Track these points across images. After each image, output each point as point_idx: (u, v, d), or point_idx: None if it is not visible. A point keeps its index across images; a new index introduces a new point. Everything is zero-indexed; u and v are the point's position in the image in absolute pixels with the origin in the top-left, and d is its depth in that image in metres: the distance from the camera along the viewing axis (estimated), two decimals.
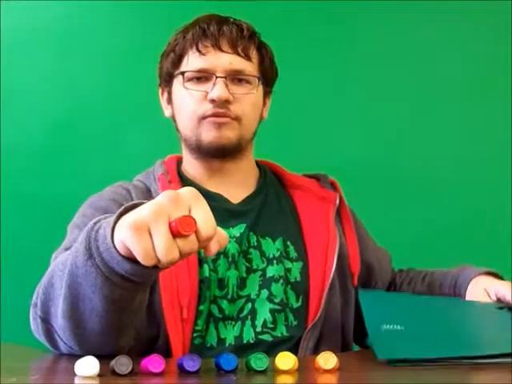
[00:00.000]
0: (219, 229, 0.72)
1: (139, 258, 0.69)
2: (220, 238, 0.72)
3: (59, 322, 0.83)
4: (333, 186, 1.24)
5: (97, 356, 0.74)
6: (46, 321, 0.86)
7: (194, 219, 0.69)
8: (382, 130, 1.65)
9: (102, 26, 1.59)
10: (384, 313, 0.99)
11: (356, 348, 1.18)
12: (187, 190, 0.71)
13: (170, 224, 0.68)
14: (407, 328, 0.93)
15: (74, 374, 0.73)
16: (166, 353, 1.00)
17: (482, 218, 1.64)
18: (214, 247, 0.71)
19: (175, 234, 0.68)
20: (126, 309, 0.81)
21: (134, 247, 0.69)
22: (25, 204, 1.51)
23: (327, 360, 0.79)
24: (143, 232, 0.68)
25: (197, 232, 0.69)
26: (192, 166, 1.18)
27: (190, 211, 0.70)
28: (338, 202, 1.19)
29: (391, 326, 0.92)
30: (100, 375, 0.73)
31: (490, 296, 1.08)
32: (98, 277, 0.75)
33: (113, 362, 0.74)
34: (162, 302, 1.01)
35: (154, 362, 0.75)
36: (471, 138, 1.68)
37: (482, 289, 1.11)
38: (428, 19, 1.67)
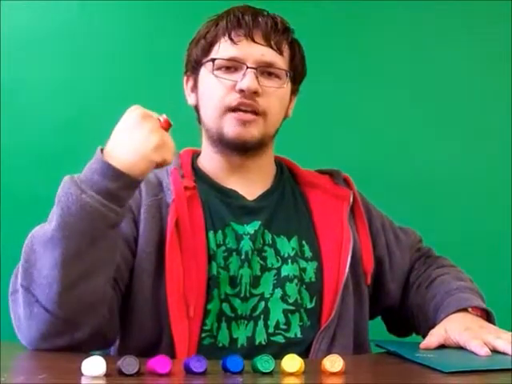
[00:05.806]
0: None
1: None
2: None
3: (47, 275, 0.88)
4: (346, 182, 1.22)
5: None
6: (27, 289, 0.89)
7: None
8: (385, 132, 1.65)
9: (106, 24, 1.58)
10: (409, 347, 0.99)
11: (374, 349, 1.15)
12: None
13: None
14: (438, 354, 0.93)
15: (81, 374, 0.73)
16: (170, 352, 0.98)
17: (483, 221, 1.65)
18: None
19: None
20: (100, 243, 0.90)
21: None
22: (27, 205, 1.50)
23: (333, 363, 0.79)
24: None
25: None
26: (211, 160, 1.16)
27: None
28: (351, 199, 1.17)
29: (424, 355, 0.91)
30: (107, 375, 0.73)
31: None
32: (90, 204, 0.87)
33: (119, 362, 0.74)
34: (168, 299, 1.00)
35: (160, 363, 0.75)
36: (474, 141, 1.68)
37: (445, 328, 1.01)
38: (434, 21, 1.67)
